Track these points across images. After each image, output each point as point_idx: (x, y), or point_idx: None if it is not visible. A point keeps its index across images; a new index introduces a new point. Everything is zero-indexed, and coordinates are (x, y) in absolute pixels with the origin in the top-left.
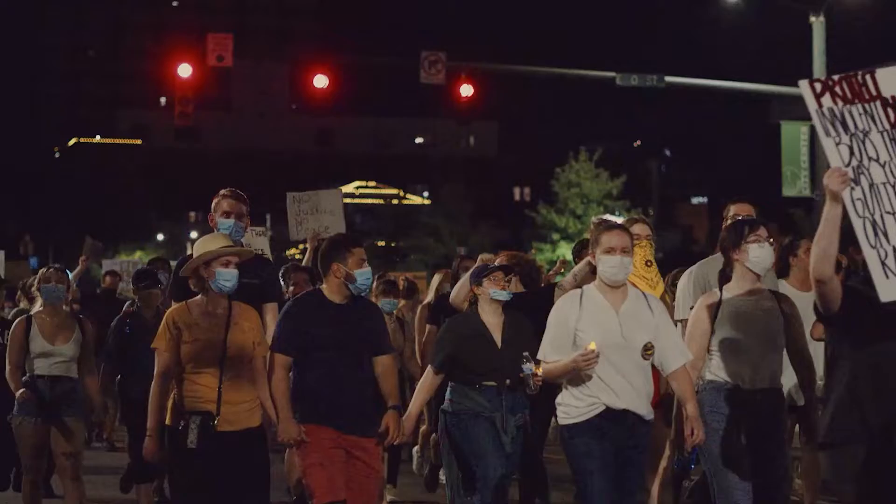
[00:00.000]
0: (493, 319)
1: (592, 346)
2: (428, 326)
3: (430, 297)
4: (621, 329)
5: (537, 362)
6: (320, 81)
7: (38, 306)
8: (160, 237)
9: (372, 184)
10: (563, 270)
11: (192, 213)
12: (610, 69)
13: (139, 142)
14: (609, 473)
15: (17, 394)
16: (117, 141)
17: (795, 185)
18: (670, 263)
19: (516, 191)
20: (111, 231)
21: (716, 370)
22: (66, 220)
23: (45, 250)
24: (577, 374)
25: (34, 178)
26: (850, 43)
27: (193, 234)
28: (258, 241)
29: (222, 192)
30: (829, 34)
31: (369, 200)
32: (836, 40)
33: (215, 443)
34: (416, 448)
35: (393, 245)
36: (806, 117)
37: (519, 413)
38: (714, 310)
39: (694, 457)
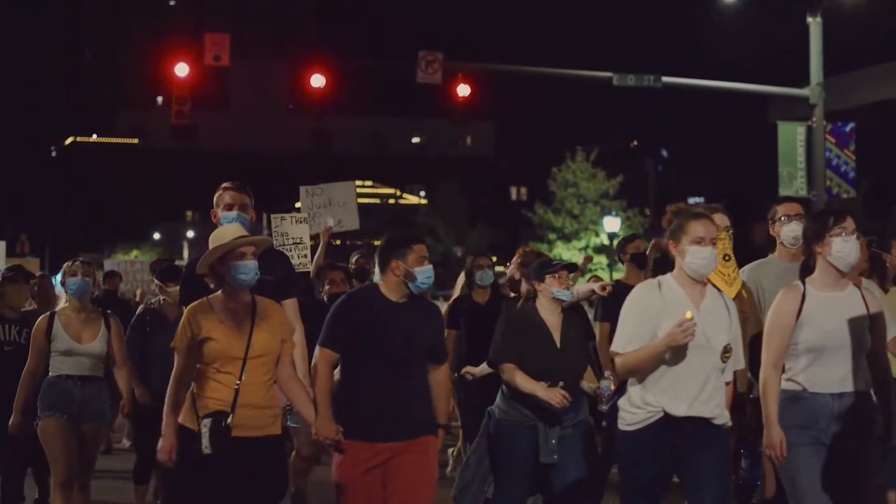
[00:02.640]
0: (551, 318)
1: (689, 314)
2: (446, 331)
3: (456, 293)
4: (704, 328)
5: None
6: (317, 81)
7: (62, 302)
8: (157, 236)
9: (369, 183)
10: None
11: (189, 213)
12: (607, 69)
13: (136, 141)
14: (654, 491)
15: (10, 421)
16: (114, 140)
17: (792, 186)
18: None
19: (513, 190)
20: (108, 230)
21: (796, 375)
22: (62, 220)
23: (41, 249)
24: (643, 375)
25: (31, 177)
26: (848, 43)
27: (190, 234)
28: (297, 229)
29: (224, 184)
30: (826, 35)
31: (366, 200)
32: (834, 41)
33: (229, 448)
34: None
35: None
36: (802, 117)
37: (570, 413)
38: (798, 304)
39: (758, 473)
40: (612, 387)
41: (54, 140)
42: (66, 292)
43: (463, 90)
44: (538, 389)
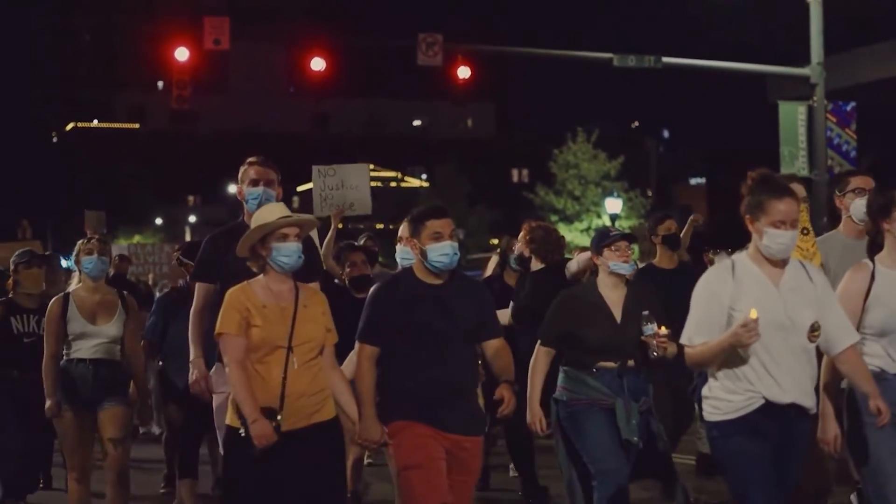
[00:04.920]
0: (612, 293)
1: (754, 314)
2: None
3: (488, 272)
4: (785, 307)
5: (661, 324)
6: (317, 64)
7: (75, 283)
8: (158, 221)
9: (370, 166)
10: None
11: (191, 197)
12: (607, 50)
13: (137, 126)
14: (772, 478)
15: (46, 406)
16: (115, 125)
17: (793, 165)
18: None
19: (514, 172)
20: (109, 215)
21: (873, 358)
22: (64, 205)
23: (43, 235)
24: (730, 360)
25: (32, 163)
26: (848, 22)
27: (192, 218)
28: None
29: (249, 159)
30: (826, 13)
31: None
32: (834, 19)
33: (282, 443)
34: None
35: (391, 227)
36: (803, 97)
37: (642, 398)
38: (866, 284)
39: None
40: (655, 328)
41: (55, 126)
42: (80, 272)
43: (463, 72)
44: (533, 401)
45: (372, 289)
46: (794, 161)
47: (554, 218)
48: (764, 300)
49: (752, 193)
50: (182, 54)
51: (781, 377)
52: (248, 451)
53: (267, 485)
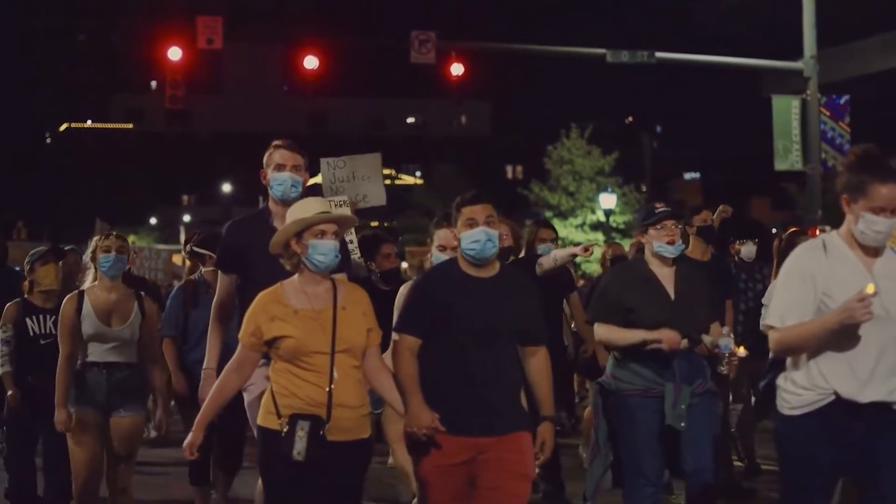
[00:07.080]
0: (661, 269)
1: (871, 288)
2: None
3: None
4: (880, 296)
5: (739, 344)
6: (311, 63)
7: (89, 280)
8: (154, 221)
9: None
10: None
11: (186, 197)
12: (601, 45)
13: (131, 126)
14: (826, 490)
15: (57, 418)
16: (109, 126)
17: (787, 159)
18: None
19: (509, 169)
20: (104, 216)
21: None
22: (58, 206)
23: (38, 236)
24: (815, 348)
25: (26, 164)
26: (841, 15)
27: (187, 218)
28: (339, 213)
29: (274, 142)
30: (819, 8)
31: None
32: (827, 13)
33: (324, 454)
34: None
35: (387, 225)
36: (797, 91)
37: (698, 380)
38: None
39: None
40: (733, 346)
41: (49, 126)
42: (96, 269)
43: (457, 69)
44: (640, 333)
45: (414, 280)
46: (788, 155)
47: (548, 214)
48: (858, 286)
49: (852, 172)
50: (175, 54)
51: (864, 373)
52: (285, 454)
53: (304, 492)
